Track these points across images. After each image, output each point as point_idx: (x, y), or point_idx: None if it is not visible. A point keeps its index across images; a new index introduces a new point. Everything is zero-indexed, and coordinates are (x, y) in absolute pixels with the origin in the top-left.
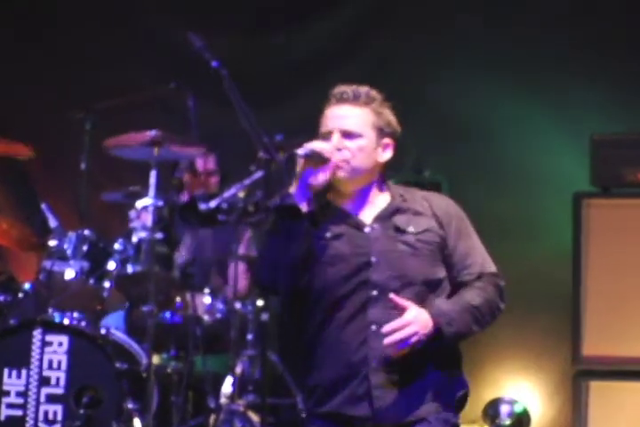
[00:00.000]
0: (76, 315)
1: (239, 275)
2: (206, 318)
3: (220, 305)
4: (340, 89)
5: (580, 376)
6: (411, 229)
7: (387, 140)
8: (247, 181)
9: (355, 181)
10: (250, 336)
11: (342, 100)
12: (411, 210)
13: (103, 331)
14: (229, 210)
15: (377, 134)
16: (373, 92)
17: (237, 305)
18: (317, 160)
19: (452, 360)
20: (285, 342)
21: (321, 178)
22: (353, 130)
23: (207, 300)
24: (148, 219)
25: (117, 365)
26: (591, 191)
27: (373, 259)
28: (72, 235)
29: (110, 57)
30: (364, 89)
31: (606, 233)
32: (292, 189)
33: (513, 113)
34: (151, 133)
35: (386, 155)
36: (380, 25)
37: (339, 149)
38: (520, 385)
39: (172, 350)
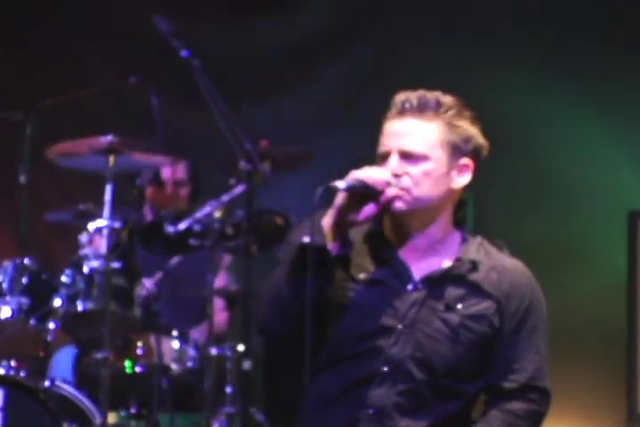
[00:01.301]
0: (13, 363)
1: (217, 313)
2: (174, 366)
3: (191, 351)
4: (402, 97)
5: None
6: (459, 307)
7: (464, 161)
8: (225, 198)
9: (417, 214)
10: (228, 389)
11: (404, 111)
12: (473, 285)
13: (47, 383)
14: (203, 233)
15: (450, 154)
16: (447, 99)
17: (213, 351)
18: (365, 194)
19: None
20: (273, 396)
21: (367, 213)
22: (415, 151)
23: (175, 344)
24: (103, 244)
25: (64, 424)
26: None
27: (400, 326)
28: (8, 265)
29: (55, 45)
30: (432, 96)
31: None
32: (326, 223)
33: (556, 116)
34: (106, 139)
35: (462, 180)
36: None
37: (397, 176)
38: None
39: (132, 406)
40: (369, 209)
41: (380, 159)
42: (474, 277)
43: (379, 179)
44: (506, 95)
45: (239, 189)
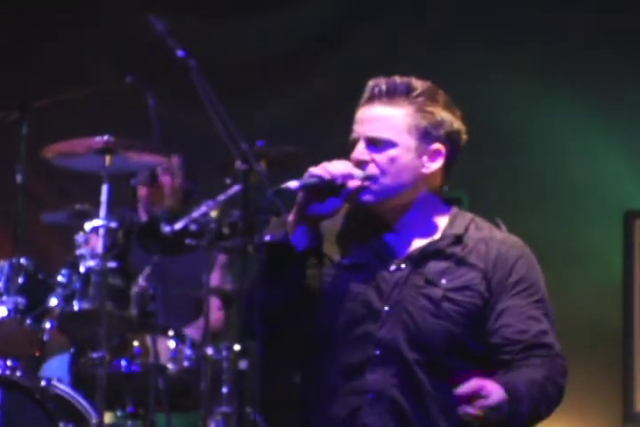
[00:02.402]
0: (9, 363)
1: (213, 312)
2: (171, 366)
3: (187, 351)
4: (373, 82)
5: None
6: (443, 281)
7: (436, 146)
8: (221, 197)
9: (390, 203)
10: (224, 389)
11: (373, 97)
12: (455, 256)
13: (43, 382)
14: (199, 233)
15: (419, 140)
16: (419, 84)
17: (209, 350)
18: (325, 189)
19: None
20: (269, 396)
21: (331, 206)
22: (380, 137)
23: (172, 344)
24: (99, 244)
25: (61, 424)
26: None
27: (386, 308)
28: (4, 264)
29: (53, 44)
30: (403, 80)
31: None
32: (290, 220)
33: (553, 116)
34: (102, 139)
35: (434, 165)
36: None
37: (362, 162)
38: None
39: (128, 405)
40: (333, 203)
41: (350, 147)
42: (457, 250)
43: (337, 172)
44: (505, 96)
45: (235, 188)
